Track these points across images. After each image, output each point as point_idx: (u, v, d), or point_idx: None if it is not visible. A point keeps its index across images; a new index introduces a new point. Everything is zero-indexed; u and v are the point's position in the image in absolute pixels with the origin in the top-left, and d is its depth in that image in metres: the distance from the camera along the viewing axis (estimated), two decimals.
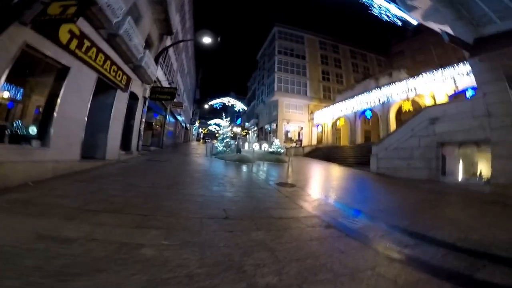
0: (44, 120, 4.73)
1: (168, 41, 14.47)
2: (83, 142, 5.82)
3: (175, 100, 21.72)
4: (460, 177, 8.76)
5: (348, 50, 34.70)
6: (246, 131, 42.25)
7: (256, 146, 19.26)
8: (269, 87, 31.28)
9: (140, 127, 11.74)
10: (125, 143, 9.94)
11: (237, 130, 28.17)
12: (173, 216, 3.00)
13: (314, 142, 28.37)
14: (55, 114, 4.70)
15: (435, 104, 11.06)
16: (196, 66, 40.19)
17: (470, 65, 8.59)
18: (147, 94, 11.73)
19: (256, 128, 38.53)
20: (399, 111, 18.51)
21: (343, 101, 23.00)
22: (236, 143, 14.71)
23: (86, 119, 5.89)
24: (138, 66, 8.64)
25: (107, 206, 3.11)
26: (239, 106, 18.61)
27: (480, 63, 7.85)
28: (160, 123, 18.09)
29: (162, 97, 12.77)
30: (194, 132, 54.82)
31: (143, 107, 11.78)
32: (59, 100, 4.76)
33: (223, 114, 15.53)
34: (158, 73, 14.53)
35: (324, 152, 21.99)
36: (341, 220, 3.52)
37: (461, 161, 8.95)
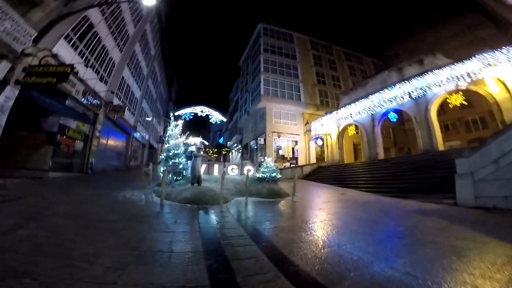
0: None
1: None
2: None
3: (118, 103, 14.79)
4: None
5: (341, 52, 30.28)
6: (226, 149, 35.36)
7: (233, 170, 11.17)
8: (253, 92, 25.15)
9: None
10: None
11: (196, 141, 20.60)
12: None
13: (313, 159, 22.22)
14: None
15: None
16: (166, 72, 33.80)
17: None
18: (4, 73, 5.59)
19: (239, 146, 31.98)
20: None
21: (352, 104, 17.35)
22: (192, 165, 8.05)
23: None
24: None
25: None
26: (216, 116, 13.49)
27: None
28: (80, 135, 11.17)
29: (40, 80, 6.54)
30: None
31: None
32: None
33: (172, 120, 8.95)
34: (61, 50, 8.76)
35: (333, 173, 15.88)
36: None
37: None
